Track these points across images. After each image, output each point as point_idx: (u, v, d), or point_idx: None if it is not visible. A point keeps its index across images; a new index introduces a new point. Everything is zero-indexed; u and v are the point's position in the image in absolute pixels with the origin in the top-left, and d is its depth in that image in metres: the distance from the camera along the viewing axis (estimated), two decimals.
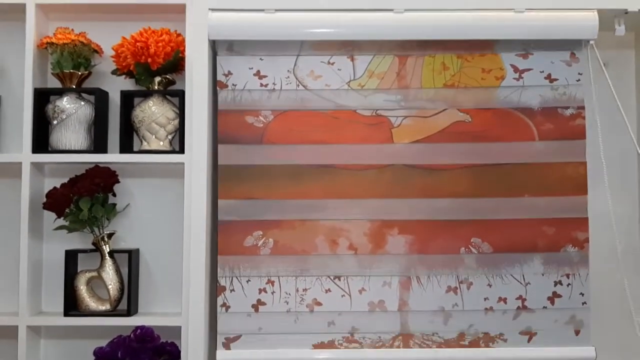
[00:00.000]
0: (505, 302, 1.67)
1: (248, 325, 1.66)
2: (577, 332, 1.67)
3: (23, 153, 1.70)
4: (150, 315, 1.74)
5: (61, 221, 1.71)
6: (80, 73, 1.73)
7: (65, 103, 1.72)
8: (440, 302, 1.67)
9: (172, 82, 1.78)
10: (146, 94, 1.75)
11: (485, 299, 1.67)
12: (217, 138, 1.71)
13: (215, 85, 1.72)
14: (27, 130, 1.70)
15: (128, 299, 1.72)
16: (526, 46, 1.72)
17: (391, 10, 1.68)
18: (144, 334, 1.63)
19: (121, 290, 1.72)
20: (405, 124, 1.70)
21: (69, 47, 1.72)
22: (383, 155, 1.69)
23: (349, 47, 1.72)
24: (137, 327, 1.64)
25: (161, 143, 1.75)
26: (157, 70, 1.72)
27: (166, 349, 1.67)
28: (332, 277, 1.67)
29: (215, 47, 1.73)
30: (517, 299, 1.67)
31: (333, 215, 1.68)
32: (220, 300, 1.66)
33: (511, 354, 1.67)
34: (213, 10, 1.68)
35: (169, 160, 1.72)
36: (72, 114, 1.72)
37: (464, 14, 1.68)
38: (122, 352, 1.61)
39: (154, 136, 1.74)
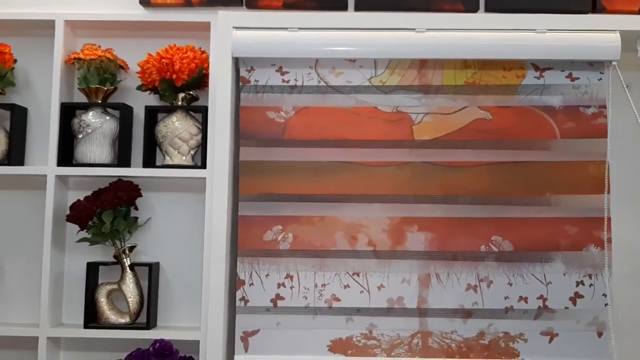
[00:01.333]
0: (526, 302, 1.65)
1: (266, 320, 1.66)
2: (599, 334, 1.64)
3: (48, 166, 1.73)
4: (169, 329, 1.75)
5: (83, 233, 1.73)
6: (106, 88, 1.77)
7: (91, 117, 1.75)
8: (459, 300, 1.66)
9: (196, 98, 1.80)
10: (170, 110, 1.78)
11: (505, 297, 1.65)
12: (238, 154, 1.72)
13: (239, 102, 1.74)
14: (52, 143, 1.73)
15: (147, 312, 1.73)
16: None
17: (413, 29, 1.70)
18: (163, 348, 1.64)
19: (141, 303, 1.73)
20: (426, 121, 1.70)
21: (96, 63, 1.75)
22: (403, 152, 1.69)
23: None
24: (156, 341, 1.65)
25: (184, 158, 1.77)
26: (181, 87, 1.74)
27: None
28: (351, 273, 1.67)
29: (238, 64, 1.75)
30: (538, 298, 1.65)
31: (352, 211, 1.68)
32: (239, 294, 1.67)
33: None
34: (237, 28, 1.71)
35: (190, 175, 1.73)
36: (97, 128, 1.74)
37: (485, 34, 1.69)
38: None
39: (176, 151, 1.76)
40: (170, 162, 1.76)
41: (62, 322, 1.79)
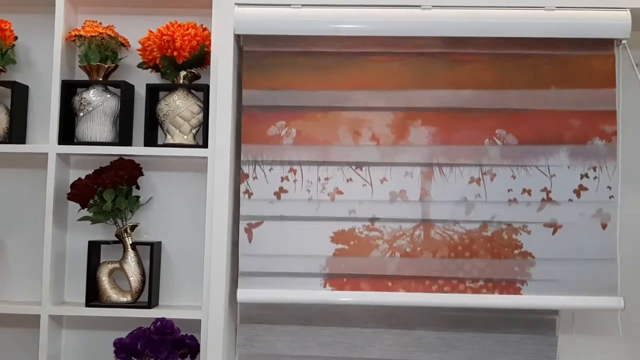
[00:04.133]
0: (530, 194, 1.65)
1: (270, 212, 1.67)
2: (604, 226, 1.64)
3: (49, 144, 1.72)
4: (171, 308, 1.75)
5: (85, 212, 1.73)
6: (107, 66, 1.75)
7: (92, 95, 1.74)
8: (462, 192, 1.66)
9: (197, 77, 1.78)
10: (171, 88, 1.76)
11: (509, 190, 1.65)
12: (240, 133, 1.70)
13: (241, 80, 1.72)
14: (53, 121, 1.72)
15: (149, 291, 1.73)
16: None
17: (419, 6, 1.66)
18: (164, 327, 1.64)
19: (142, 282, 1.73)
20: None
21: (97, 40, 1.73)
22: (409, 45, 1.67)
23: None
24: (158, 320, 1.65)
25: (185, 137, 1.75)
26: (183, 64, 1.72)
27: (186, 342, 1.67)
28: (353, 167, 1.67)
29: (240, 42, 1.73)
30: (541, 191, 1.65)
31: (356, 107, 1.68)
32: (243, 187, 1.67)
33: (535, 301, 1.64)
34: (239, 5, 1.68)
35: (192, 154, 1.72)
36: (98, 107, 1.73)
37: (492, 12, 1.66)
38: (141, 343, 1.62)
39: (178, 130, 1.75)
40: (171, 141, 1.75)
41: (64, 301, 1.80)
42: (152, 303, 1.72)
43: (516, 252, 1.64)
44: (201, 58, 1.74)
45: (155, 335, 1.63)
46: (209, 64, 1.73)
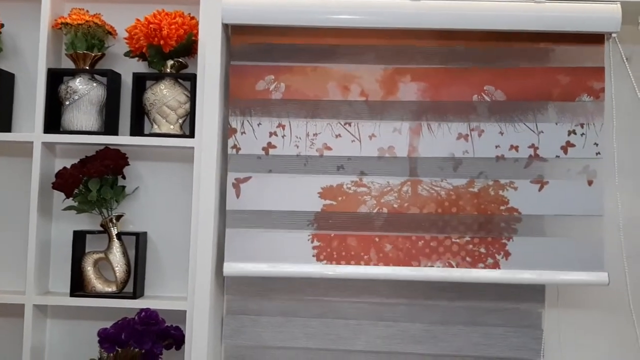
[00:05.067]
0: (517, 150, 1.65)
1: (258, 167, 1.67)
2: (590, 183, 1.64)
3: (35, 133, 1.71)
4: (156, 298, 1.74)
5: (70, 202, 1.71)
6: (93, 54, 1.73)
7: (78, 84, 1.72)
8: (450, 148, 1.66)
9: (185, 66, 1.77)
10: (158, 77, 1.74)
11: (496, 146, 1.65)
12: (228, 123, 1.69)
13: (228, 70, 1.70)
14: (39, 110, 1.71)
15: (134, 281, 1.72)
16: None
17: None
18: (149, 317, 1.63)
19: (128, 272, 1.72)
20: None
21: (83, 28, 1.72)
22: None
23: None
24: (142, 310, 1.64)
25: (172, 127, 1.74)
26: (170, 53, 1.71)
27: (170, 333, 1.67)
28: (342, 123, 1.67)
29: (228, 31, 1.71)
30: (529, 147, 1.65)
31: (346, 62, 1.67)
32: (230, 142, 1.67)
33: (519, 275, 1.64)
34: None
35: (179, 144, 1.71)
36: (84, 95, 1.72)
37: (482, 4, 1.64)
38: (126, 334, 1.61)
39: (164, 119, 1.73)
40: (158, 131, 1.73)
41: (49, 290, 1.79)
42: (137, 293, 1.72)
43: (502, 208, 1.65)
44: (188, 47, 1.72)
45: (139, 325, 1.62)
46: (197, 53, 1.72)
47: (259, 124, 1.66)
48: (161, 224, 1.79)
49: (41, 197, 1.71)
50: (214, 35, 1.66)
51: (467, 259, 1.64)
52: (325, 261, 1.65)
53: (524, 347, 1.71)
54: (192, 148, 1.68)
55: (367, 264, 1.65)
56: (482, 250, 1.64)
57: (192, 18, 1.73)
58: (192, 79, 1.72)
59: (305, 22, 1.67)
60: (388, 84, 1.67)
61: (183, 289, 1.75)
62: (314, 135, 1.67)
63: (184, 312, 1.67)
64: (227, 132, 1.69)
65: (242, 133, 1.66)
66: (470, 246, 1.65)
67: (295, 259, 1.65)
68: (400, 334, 1.72)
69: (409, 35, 1.67)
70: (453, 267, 1.64)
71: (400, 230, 1.65)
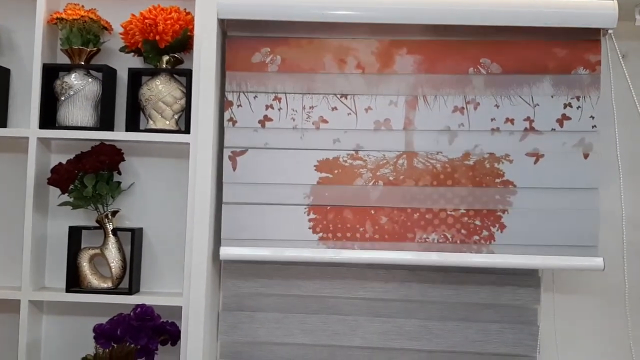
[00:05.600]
0: (513, 123, 1.65)
1: (254, 140, 1.67)
2: (585, 156, 1.64)
3: (30, 128, 1.70)
4: (152, 294, 1.74)
5: (66, 197, 1.71)
6: (89, 50, 1.73)
7: (73, 79, 1.72)
8: (446, 121, 1.66)
9: (180, 61, 1.76)
10: (154, 73, 1.74)
11: (492, 119, 1.66)
12: (223, 119, 1.69)
13: (224, 66, 1.70)
14: (34, 105, 1.70)
15: (130, 277, 1.72)
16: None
17: None
18: (144, 313, 1.63)
19: (123, 268, 1.72)
20: None
21: (79, 23, 1.71)
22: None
23: None
24: (138, 306, 1.64)
25: (167, 122, 1.74)
26: (165, 49, 1.70)
27: (166, 329, 1.67)
28: (338, 96, 1.67)
29: (224, 26, 1.71)
30: (524, 120, 1.65)
31: (342, 34, 1.67)
32: (227, 115, 1.67)
33: (511, 259, 1.64)
34: None
35: (174, 140, 1.70)
36: (80, 91, 1.71)
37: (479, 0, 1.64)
38: (121, 329, 1.61)
39: (160, 115, 1.73)
40: (153, 127, 1.73)
41: (45, 286, 1.78)
42: (132, 289, 1.71)
43: (498, 180, 1.65)
44: (184, 42, 1.72)
45: (135, 321, 1.62)
46: (192, 49, 1.71)
47: (255, 97, 1.67)
48: (157, 219, 1.79)
49: (36, 193, 1.71)
50: (210, 31, 1.66)
51: (462, 231, 1.65)
52: (321, 234, 1.65)
53: (519, 343, 1.71)
54: (188, 144, 1.68)
55: (362, 236, 1.65)
56: (477, 222, 1.65)
57: (188, 13, 1.73)
58: (188, 74, 1.72)
59: (301, 17, 1.66)
60: (384, 57, 1.67)
61: (178, 284, 1.75)
62: (310, 108, 1.67)
63: (180, 307, 1.66)
64: (222, 128, 1.69)
65: (238, 106, 1.67)
66: (466, 218, 1.65)
67: (291, 232, 1.65)
68: (396, 330, 1.73)
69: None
70: (448, 239, 1.65)
71: (395, 202, 1.66)
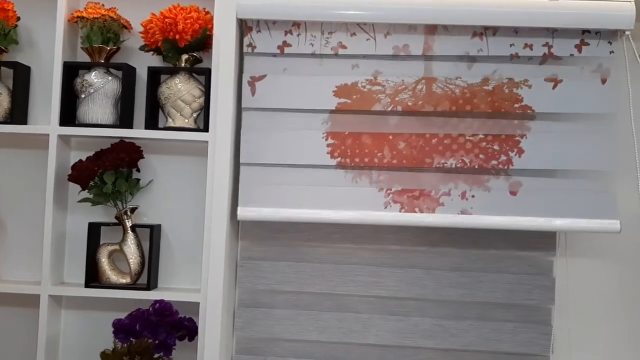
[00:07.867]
0: (532, 49, 1.65)
1: (273, 66, 1.68)
2: (603, 81, 1.65)
3: (51, 125, 1.72)
4: (170, 290, 1.76)
5: (85, 194, 1.73)
6: (109, 48, 1.75)
7: (94, 77, 1.74)
8: (465, 47, 1.66)
9: (199, 60, 1.78)
10: (173, 71, 1.76)
11: (511, 45, 1.65)
12: (241, 116, 1.71)
13: (242, 65, 1.71)
14: (55, 103, 1.72)
15: (148, 273, 1.74)
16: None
17: None
18: (163, 308, 1.65)
19: (142, 264, 1.74)
20: None
21: (99, 22, 1.73)
22: None
23: None
24: (156, 301, 1.66)
25: (186, 121, 1.75)
26: (185, 48, 1.72)
27: (184, 324, 1.69)
28: (357, 21, 1.66)
29: (242, 26, 1.72)
30: (543, 45, 1.65)
31: None
32: (246, 41, 1.68)
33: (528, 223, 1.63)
34: None
35: (193, 138, 1.72)
36: (100, 89, 1.73)
37: (494, 1, 1.64)
38: (140, 325, 1.63)
39: (179, 113, 1.75)
40: (172, 125, 1.75)
41: (64, 281, 1.81)
42: (151, 285, 1.74)
43: (516, 105, 1.65)
44: (203, 42, 1.74)
45: (154, 316, 1.64)
46: (211, 48, 1.73)
47: (274, 22, 1.67)
48: (175, 216, 1.81)
49: (57, 189, 1.73)
50: (229, 30, 1.68)
51: (481, 156, 1.65)
52: (339, 158, 1.65)
53: (533, 342, 1.72)
54: (206, 142, 1.69)
55: (380, 162, 1.65)
56: (496, 147, 1.65)
57: (207, 13, 1.74)
58: (207, 73, 1.74)
59: (319, 17, 1.67)
60: None
61: (196, 281, 1.77)
62: (329, 33, 1.67)
63: (197, 303, 1.68)
64: (240, 126, 1.71)
65: (257, 31, 1.67)
66: (484, 143, 1.65)
67: (310, 157, 1.66)
68: (410, 328, 1.74)
69: None
70: (466, 164, 1.64)
71: (414, 128, 1.66)
